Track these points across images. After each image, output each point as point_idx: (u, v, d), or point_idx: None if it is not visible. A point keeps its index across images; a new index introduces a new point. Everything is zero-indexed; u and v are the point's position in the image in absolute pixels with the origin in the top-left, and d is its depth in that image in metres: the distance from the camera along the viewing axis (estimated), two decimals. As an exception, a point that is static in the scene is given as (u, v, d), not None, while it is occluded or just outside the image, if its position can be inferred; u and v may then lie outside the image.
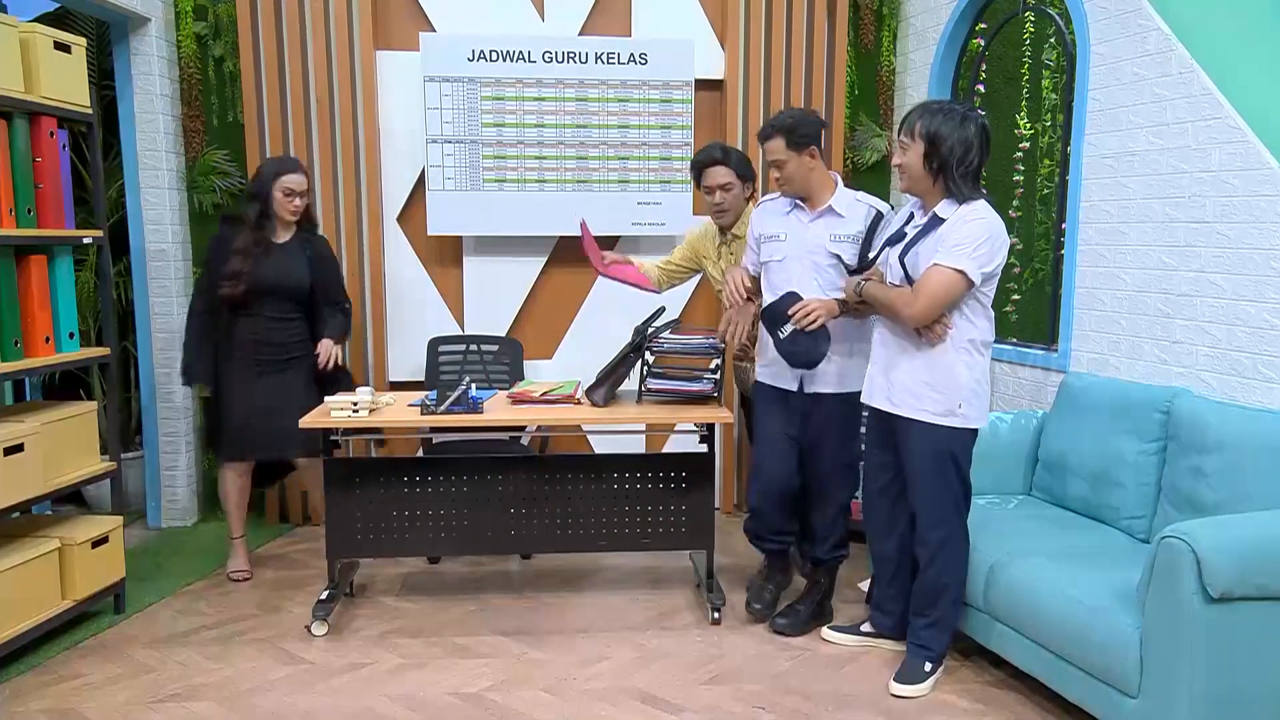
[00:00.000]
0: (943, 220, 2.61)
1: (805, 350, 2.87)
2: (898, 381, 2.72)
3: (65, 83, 3.04)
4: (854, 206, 2.98)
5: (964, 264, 2.52)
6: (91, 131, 3.25)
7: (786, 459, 3.10)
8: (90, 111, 3.15)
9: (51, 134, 3.00)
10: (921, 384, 2.67)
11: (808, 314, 2.82)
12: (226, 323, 3.49)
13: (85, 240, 3.17)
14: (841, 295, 2.90)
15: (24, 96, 2.87)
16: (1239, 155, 2.83)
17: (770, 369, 3.11)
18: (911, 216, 2.77)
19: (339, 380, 3.65)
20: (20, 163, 2.89)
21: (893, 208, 3.02)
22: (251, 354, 3.48)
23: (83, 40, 3.14)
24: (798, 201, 3.02)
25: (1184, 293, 3.04)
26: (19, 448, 2.82)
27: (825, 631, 3.14)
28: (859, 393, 2.93)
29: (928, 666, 2.79)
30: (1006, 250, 2.65)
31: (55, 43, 2.99)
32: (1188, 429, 2.76)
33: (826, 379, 3.01)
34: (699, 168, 3.36)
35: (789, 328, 2.86)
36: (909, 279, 2.64)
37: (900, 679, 2.78)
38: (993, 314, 2.73)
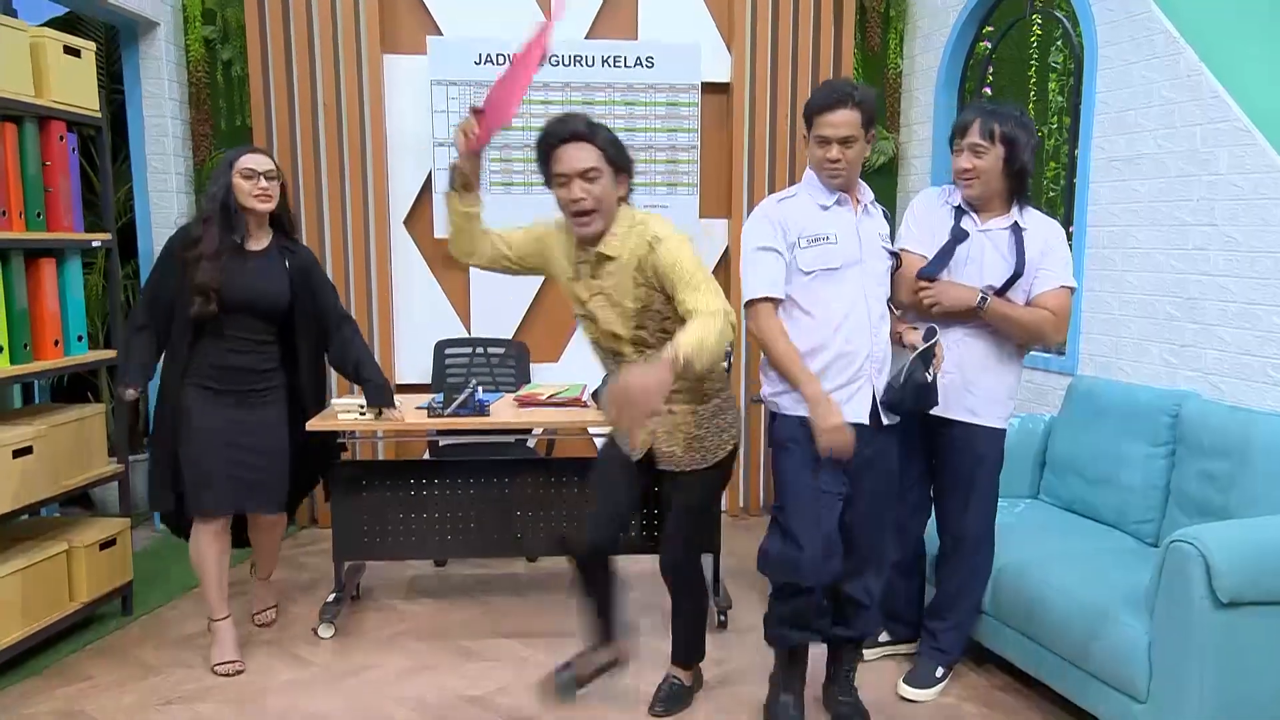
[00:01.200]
0: (1024, 229, 2.59)
1: (923, 391, 2.42)
2: (981, 392, 2.62)
3: (75, 87, 3.05)
4: (876, 207, 2.53)
5: (1071, 279, 2.61)
6: (101, 135, 3.26)
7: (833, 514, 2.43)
8: (99, 115, 3.16)
9: (61, 138, 3.02)
10: (1001, 393, 2.65)
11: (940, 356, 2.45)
12: (184, 344, 2.83)
13: (94, 243, 3.18)
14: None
15: (34, 100, 2.88)
16: (1248, 158, 2.83)
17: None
18: (959, 212, 2.63)
19: (328, 446, 3.19)
20: (30, 167, 2.90)
21: (886, 212, 2.62)
22: (216, 383, 2.83)
23: (92, 45, 3.15)
24: (841, 195, 2.42)
25: (1192, 296, 3.03)
26: (28, 450, 2.83)
27: None
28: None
29: (939, 671, 2.77)
30: None
31: (65, 47, 3.01)
32: (1197, 433, 2.75)
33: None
34: (548, 146, 2.32)
35: (932, 372, 2.40)
36: (1005, 289, 2.57)
37: (911, 682, 2.76)
38: None
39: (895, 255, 2.54)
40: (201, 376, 2.83)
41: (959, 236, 2.61)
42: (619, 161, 2.33)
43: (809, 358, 2.35)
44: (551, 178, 2.33)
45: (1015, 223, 2.59)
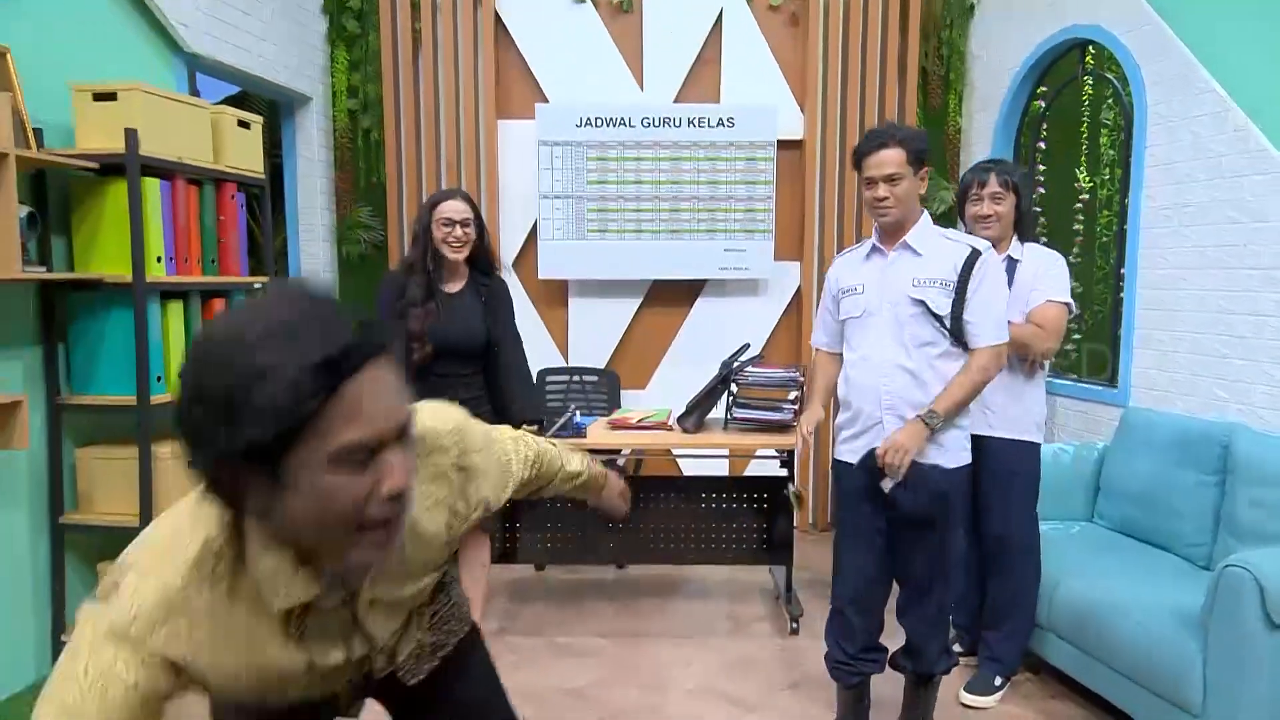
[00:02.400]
0: (1018, 261, 2.68)
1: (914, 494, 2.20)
2: (998, 408, 2.64)
3: (244, 153, 3.23)
4: (939, 245, 2.22)
5: (1069, 298, 2.65)
6: (263, 193, 3.45)
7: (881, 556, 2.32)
8: (263, 177, 3.35)
9: (232, 197, 3.20)
10: (1016, 409, 2.65)
11: (893, 464, 2.13)
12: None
13: (256, 285, 3.35)
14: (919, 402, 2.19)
15: (213, 166, 3.07)
16: (1295, 206, 2.72)
17: (846, 444, 2.33)
18: None
19: None
20: (208, 221, 3.09)
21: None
22: None
23: (260, 119, 3.34)
24: (877, 245, 2.28)
25: (1241, 334, 2.91)
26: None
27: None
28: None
29: (998, 680, 2.71)
30: None
31: (239, 121, 3.21)
32: (1246, 462, 2.64)
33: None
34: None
35: (889, 481, 2.18)
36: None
37: (971, 689, 2.71)
38: None
39: (926, 310, 2.19)
40: None
41: None
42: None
43: (847, 397, 2.31)
44: None
45: (1009, 255, 2.68)
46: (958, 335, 2.17)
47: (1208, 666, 2.15)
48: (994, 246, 2.61)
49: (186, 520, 0.99)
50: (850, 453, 2.29)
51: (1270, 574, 2.02)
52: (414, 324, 2.66)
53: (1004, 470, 2.66)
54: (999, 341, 2.19)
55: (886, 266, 2.24)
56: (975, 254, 2.18)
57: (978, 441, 2.56)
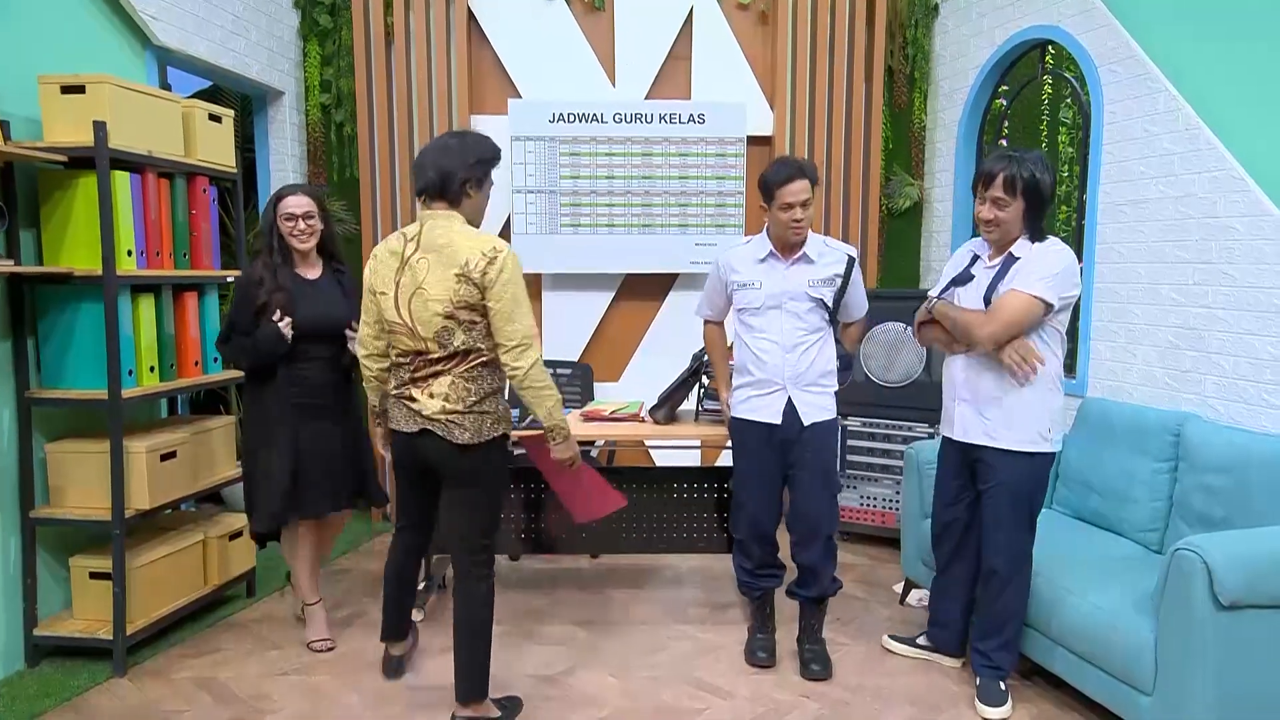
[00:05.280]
0: (1018, 258, 2.47)
1: None
2: (994, 416, 2.51)
3: (216, 147, 3.19)
4: (825, 252, 2.73)
5: (1039, 289, 2.38)
6: (235, 187, 3.41)
7: (773, 496, 2.83)
8: (235, 171, 3.30)
9: (204, 190, 3.16)
10: (1018, 416, 2.48)
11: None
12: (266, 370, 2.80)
13: (228, 279, 3.31)
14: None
15: (184, 159, 3.03)
16: (1242, 204, 2.79)
17: (748, 405, 2.80)
18: (975, 258, 2.61)
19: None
20: (179, 215, 3.04)
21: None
22: (293, 400, 2.80)
23: (231, 112, 3.29)
24: (773, 250, 2.73)
25: (1193, 327, 2.98)
26: (173, 454, 2.96)
27: (885, 640, 2.99)
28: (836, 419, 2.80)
29: (1003, 685, 2.60)
30: (1079, 281, 2.53)
31: (209, 115, 3.16)
32: (1198, 451, 2.70)
33: (820, 409, 2.76)
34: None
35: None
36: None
37: (985, 701, 2.57)
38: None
39: (817, 300, 2.73)
40: (282, 396, 2.79)
41: (961, 279, 2.62)
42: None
43: (749, 366, 2.80)
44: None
45: (1011, 253, 2.49)
46: (833, 319, 2.78)
47: (1159, 647, 2.20)
48: (1001, 246, 2.53)
49: (459, 224, 2.32)
50: (750, 411, 2.80)
51: (1218, 557, 2.07)
52: (280, 302, 2.75)
53: (995, 482, 2.54)
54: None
55: (786, 269, 2.73)
56: (852, 259, 2.76)
57: (976, 452, 2.57)
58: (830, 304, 2.73)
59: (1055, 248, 2.46)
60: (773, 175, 2.65)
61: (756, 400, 2.78)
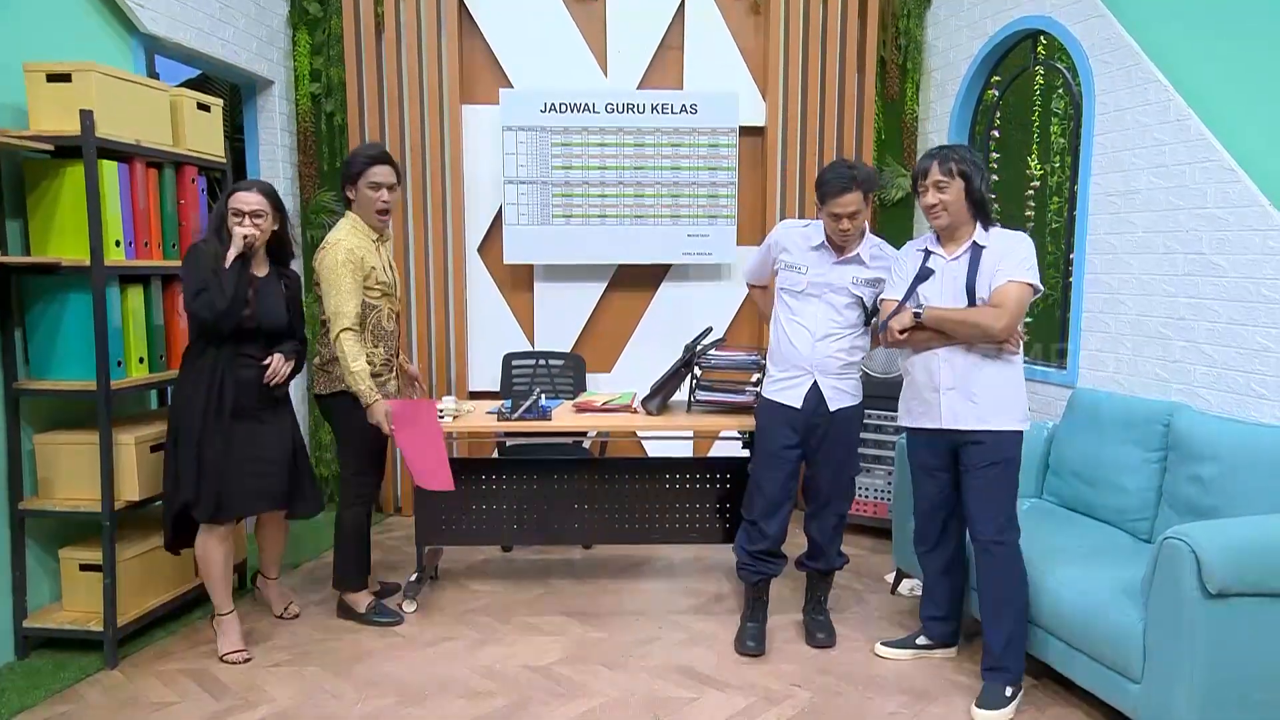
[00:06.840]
0: (984, 247, 2.54)
1: None
2: (984, 399, 2.54)
3: (205, 136, 3.17)
4: (878, 255, 2.81)
5: (1030, 277, 2.51)
6: (225, 177, 3.39)
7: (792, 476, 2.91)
8: (224, 160, 3.29)
9: (193, 180, 3.14)
10: (1003, 396, 2.54)
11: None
12: (200, 360, 2.73)
13: (218, 269, 3.29)
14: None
15: (172, 149, 3.00)
16: (1232, 194, 2.79)
17: (775, 387, 2.89)
18: (927, 254, 2.64)
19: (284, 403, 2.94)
20: (168, 205, 3.02)
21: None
22: (230, 398, 2.72)
23: (220, 101, 3.27)
24: (826, 241, 2.79)
25: (1183, 317, 2.99)
26: (162, 446, 2.94)
27: (879, 648, 2.90)
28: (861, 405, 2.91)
29: (1008, 691, 2.53)
30: None
31: (198, 104, 3.13)
32: (1187, 440, 2.72)
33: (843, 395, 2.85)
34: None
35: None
36: (971, 303, 2.54)
37: (982, 704, 2.51)
38: None
39: (857, 297, 2.80)
40: (214, 393, 2.71)
41: (923, 275, 2.63)
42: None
43: (782, 352, 2.90)
44: None
45: (974, 242, 2.56)
46: (869, 318, 2.86)
47: (1148, 634, 2.21)
48: (943, 245, 2.63)
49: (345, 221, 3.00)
50: (778, 393, 2.88)
51: (1206, 546, 2.08)
52: (242, 293, 2.70)
53: (987, 464, 2.55)
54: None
55: (834, 263, 2.80)
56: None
57: (966, 437, 2.57)
58: (869, 303, 2.81)
59: (1019, 236, 2.59)
60: (826, 184, 2.70)
61: (785, 383, 2.87)
